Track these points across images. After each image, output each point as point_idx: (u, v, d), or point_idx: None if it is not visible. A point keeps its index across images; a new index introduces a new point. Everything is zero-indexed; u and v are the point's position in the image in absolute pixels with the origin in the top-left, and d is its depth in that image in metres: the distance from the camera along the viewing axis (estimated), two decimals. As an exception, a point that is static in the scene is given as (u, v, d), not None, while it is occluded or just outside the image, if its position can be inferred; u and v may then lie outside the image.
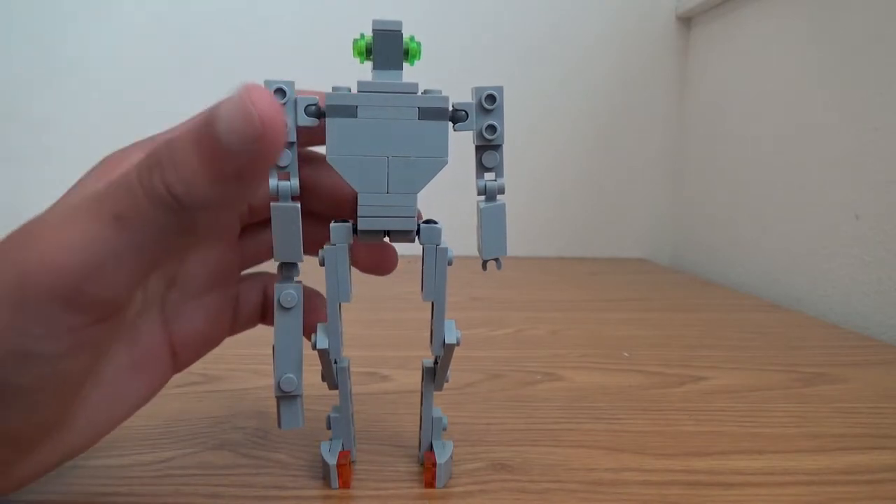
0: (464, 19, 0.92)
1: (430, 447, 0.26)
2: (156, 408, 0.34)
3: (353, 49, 0.22)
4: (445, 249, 0.23)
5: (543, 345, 0.48)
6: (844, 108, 0.62)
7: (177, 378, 0.39)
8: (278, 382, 0.24)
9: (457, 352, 0.25)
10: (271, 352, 0.24)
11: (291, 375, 0.24)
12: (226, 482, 0.26)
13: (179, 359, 0.25)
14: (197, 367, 0.40)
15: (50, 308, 0.16)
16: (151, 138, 0.22)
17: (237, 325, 0.27)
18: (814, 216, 0.66)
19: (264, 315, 0.27)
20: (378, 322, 0.52)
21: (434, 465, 0.25)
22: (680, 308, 0.63)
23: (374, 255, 0.26)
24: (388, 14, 0.22)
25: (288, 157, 0.22)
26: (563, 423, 0.33)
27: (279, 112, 0.16)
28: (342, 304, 0.24)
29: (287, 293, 0.23)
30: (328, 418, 0.26)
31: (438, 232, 0.23)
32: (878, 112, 0.57)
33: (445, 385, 0.26)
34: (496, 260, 0.25)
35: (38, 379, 0.17)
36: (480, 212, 0.24)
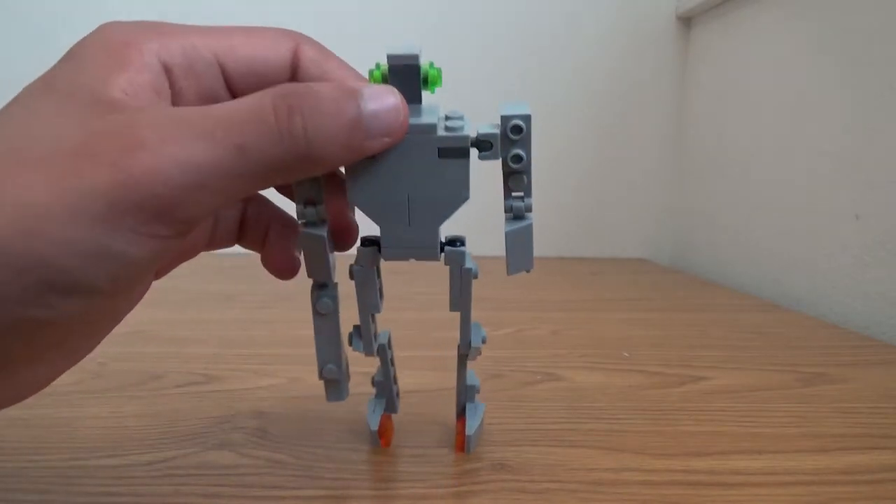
0: (464, 19, 0.92)
1: (464, 410, 0.29)
2: (156, 408, 0.34)
3: (370, 80, 0.22)
4: (470, 270, 0.24)
5: (543, 345, 0.48)
6: (844, 108, 0.62)
7: (177, 378, 0.39)
8: (321, 370, 0.26)
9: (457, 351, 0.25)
10: (316, 348, 0.26)
11: (332, 366, 0.25)
12: (226, 482, 0.26)
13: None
14: (197, 367, 0.41)
15: (142, 216, 0.16)
16: (162, 27, 0.20)
17: (215, 238, 0.25)
18: (814, 216, 0.66)
19: (242, 235, 0.26)
20: (378, 322, 0.52)
21: (462, 433, 0.29)
22: (680, 308, 0.63)
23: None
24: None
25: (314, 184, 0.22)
26: (563, 423, 0.33)
27: (408, 117, 0.20)
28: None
29: (323, 302, 0.24)
30: (373, 379, 0.30)
31: (463, 255, 0.24)
32: (879, 112, 0.57)
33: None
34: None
35: (110, 280, 0.17)
36: (505, 235, 0.24)
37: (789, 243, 0.70)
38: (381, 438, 0.29)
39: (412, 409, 0.34)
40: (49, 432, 0.30)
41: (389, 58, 0.21)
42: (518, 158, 0.23)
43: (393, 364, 0.30)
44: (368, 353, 0.27)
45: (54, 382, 0.21)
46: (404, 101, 0.20)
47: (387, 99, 0.19)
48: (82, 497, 0.24)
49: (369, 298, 0.25)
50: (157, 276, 0.23)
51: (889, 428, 0.33)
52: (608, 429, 0.32)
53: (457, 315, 0.26)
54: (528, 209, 0.24)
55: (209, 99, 0.21)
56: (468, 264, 0.24)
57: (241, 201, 0.25)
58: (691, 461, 0.29)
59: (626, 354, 0.46)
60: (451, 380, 0.39)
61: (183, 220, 0.17)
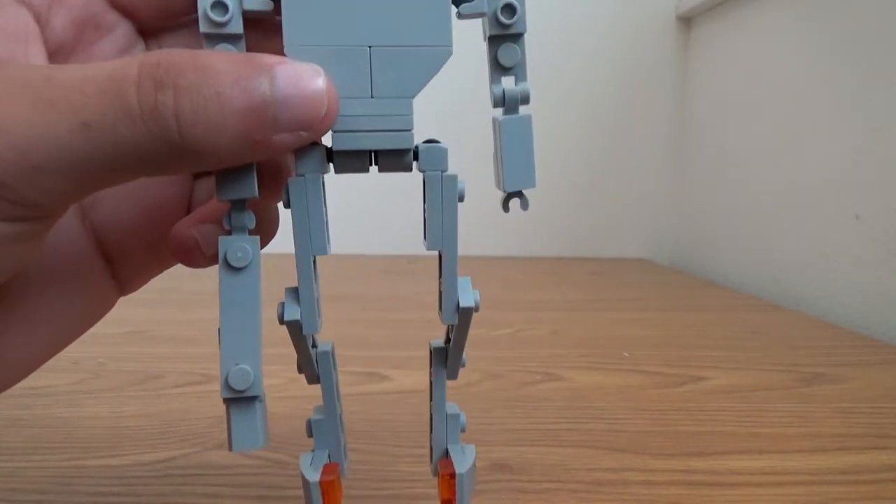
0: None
1: (446, 453, 0.20)
2: (156, 408, 0.34)
3: None
4: (454, 177, 0.17)
5: (543, 345, 0.48)
6: (844, 108, 0.62)
7: (177, 378, 0.39)
8: (226, 378, 0.16)
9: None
10: (221, 336, 0.17)
11: (245, 367, 0.16)
12: (226, 482, 0.26)
13: (120, 269, 0.20)
14: (197, 367, 0.41)
15: None
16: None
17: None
18: (814, 216, 0.66)
19: None
20: (378, 322, 0.52)
21: (453, 475, 0.19)
22: (680, 308, 0.63)
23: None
24: None
25: None
26: (563, 423, 0.33)
27: (337, 105, 0.15)
28: (317, 260, 0.18)
29: (236, 247, 0.16)
30: (308, 423, 0.20)
31: (443, 153, 0.17)
32: (879, 112, 0.57)
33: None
34: (520, 197, 0.19)
35: None
36: (499, 126, 0.18)
37: (789, 243, 0.70)
38: (325, 499, 0.18)
39: (412, 410, 0.34)
40: (48, 432, 0.30)
41: None
42: (511, 10, 0.18)
43: (339, 396, 0.20)
44: (310, 328, 0.18)
45: (55, 382, 0.20)
46: (333, 86, 0.15)
47: (309, 81, 0.15)
48: (82, 497, 0.24)
49: (314, 228, 0.17)
50: (123, 284, 0.20)
51: (889, 428, 0.33)
52: (608, 429, 0.32)
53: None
54: (525, 99, 0.18)
55: (90, 24, 0.17)
56: (451, 170, 0.17)
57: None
58: (691, 461, 0.29)
59: (626, 354, 0.46)
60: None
61: (20, 203, 0.14)
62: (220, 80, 0.14)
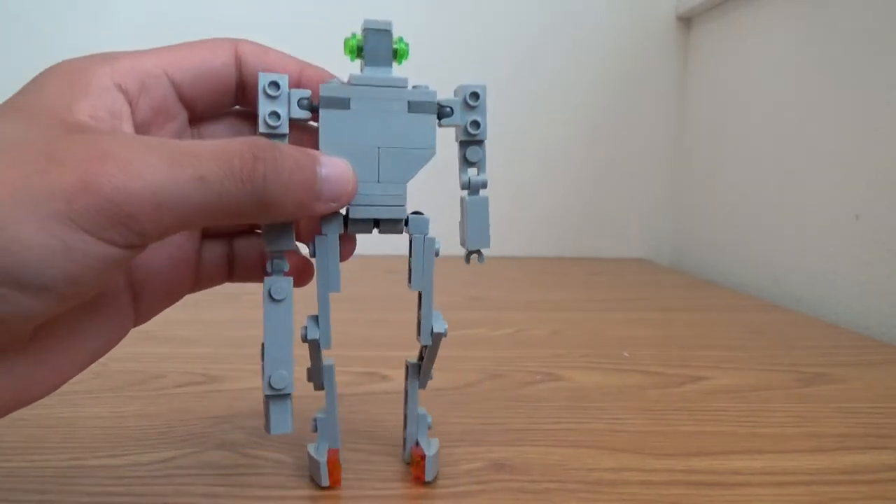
0: (463, 18, 0.92)
1: (417, 443, 0.27)
2: (156, 408, 0.34)
3: (345, 47, 0.23)
4: (433, 239, 0.24)
5: (543, 345, 0.48)
6: (844, 108, 0.62)
7: (177, 378, 0.39)
8: (268, 380, 0.23)
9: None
10: (260, 349, 0.23)
11: (283, 372, 0.23)
12: (226, 482, 0.26)
13: (141, 304, 0.24)
14: (197, 367, 0.41)
15: (100, 220, 0.17)
16: (114, 55, 0.22)
17: (200, 279, 0.26)
18: (814, 216, 0.66)
19: (231, 273, 0.26)
20: (378, 322, 0.52)
21: (423, 457, 0.26)
22: (680, 308, 0.63)
23: (346, 249, 0.26)
24: (390, 15, 0.23)
25: None
26: (563, 423, 0.33)
27: (356, 186, 0.22)
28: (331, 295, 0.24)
29: (278, 285, 0.23)
30: (314, 420, 0.26)
31: (426, 222, 0.25)
32: (878, 112, 0.57)
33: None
34: (478, 254, 0.26)
35: (65, 279, 0.17)
36: (465, 203, 0.25)
37: (789, 243, 0.70)
38: (331, 476, 0.25)
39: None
40: (49, 432, 0.30)
41: (366, 22, 0.23)
42: (476, 125, 0.24)
43: (336, 399, 0.27)
44: (325, 345, 0.24)
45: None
46: (355, 174, 0.22)
47: (341, 167, 0.22)
48: (82, 497, 0.24)
49: (332, 273, 0.24)
50: (140, 318, 0.24)
51: (889, 428, 0.33)
52: (608, 429, 0.32)
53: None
54: (484, 185, 0.25)
55: (163, 111, 0.23)
56: (431, 234, 0.25)
57: (226, 239, 0.26)
58: (691, 461, 0.29)
59: (626, 354, 0.46)
60: (449, 379, 0.40)
61: (138, 233, 0.18)
62: (291, 161, 0.20)
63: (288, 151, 0.20)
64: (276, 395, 0.23)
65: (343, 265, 0.24)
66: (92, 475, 0.26)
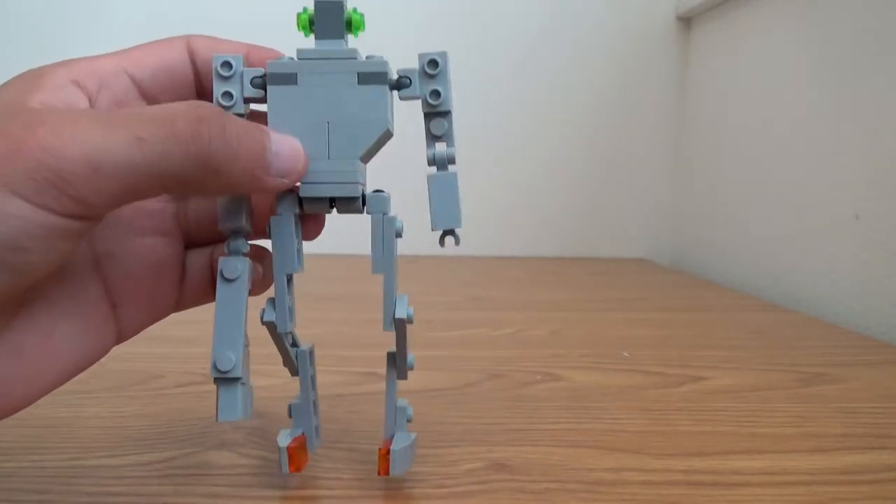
0: (463, 19, 0.92)
1: (392, 436, 0.26)
2: (156, 408, 0.34)
3: (297, 23, 0.23)
4: (393, 219, 0.23)
5: (543, 345, 0.48)
6: (844, 108, 0.62)
7: (177, 378, 0.39)
8: (214, 362, 0.22)
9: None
10: (213, 330, 0.23)
11: (231, 354, 0.22)
12: (226, 482, 0.26)
13: (122, 314, 0.23)
14: (197, 367, 0.41)
15: (33, 184, 0.17)
16: (72, 60, 0.22)
17: (187, 290, 0.25)
18: (814, 216, 0.66)
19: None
20: (378, 322, 0.52)
21: (388, 451, 0.24)
22: (680, 308, 0.63)
23: (310, 229, 0.25)
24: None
25: None
26: (563, 423, 0.33)
27: (307, 162, 0.22)
28: (295, 276, 0.24)
29: (231, 265, 0.22)
30: (289, 406, 0.25)
31: (386, 200, 0.23)
32: (878, 112, 0.57)
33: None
34: (454, 235, 0.24)
35: (6, 247, 0.17)
36: (429, 179, 0.24)
37: (789, 243, 0.70)
38: (291, 463, 0.24)
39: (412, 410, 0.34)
40: (49, 432, 0.30)
41: None
42: (436, 94, 0.23)
43: (314, 387, 0.26)
44: (282, 327, 0.23)
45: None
46: (306, 154, 0.22)
47: (291, 142, 0.21)
48: (82, 497, 0.24)
49: (288, 253, 0.23)
50: (123, 330, 0.24)
51: (889, 428, 0.33)
52: (608, 429, 0.32)
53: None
54: (451, 160, 0.24)
55: (125, 105, 0.22)
56: (392, 213, 0.23)
57: (211, 249, 0.25)
58: (691, 461, 0.29)
59: (626, 354, 0.46)
60: (447, 380, 0.40)
61: (75, 199, 0.17)
62: (239, 129, 0.19)
63: (236, 119, 0.20)
64: (223, 379, 0.22)
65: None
66: (92, 475, 0.26)
